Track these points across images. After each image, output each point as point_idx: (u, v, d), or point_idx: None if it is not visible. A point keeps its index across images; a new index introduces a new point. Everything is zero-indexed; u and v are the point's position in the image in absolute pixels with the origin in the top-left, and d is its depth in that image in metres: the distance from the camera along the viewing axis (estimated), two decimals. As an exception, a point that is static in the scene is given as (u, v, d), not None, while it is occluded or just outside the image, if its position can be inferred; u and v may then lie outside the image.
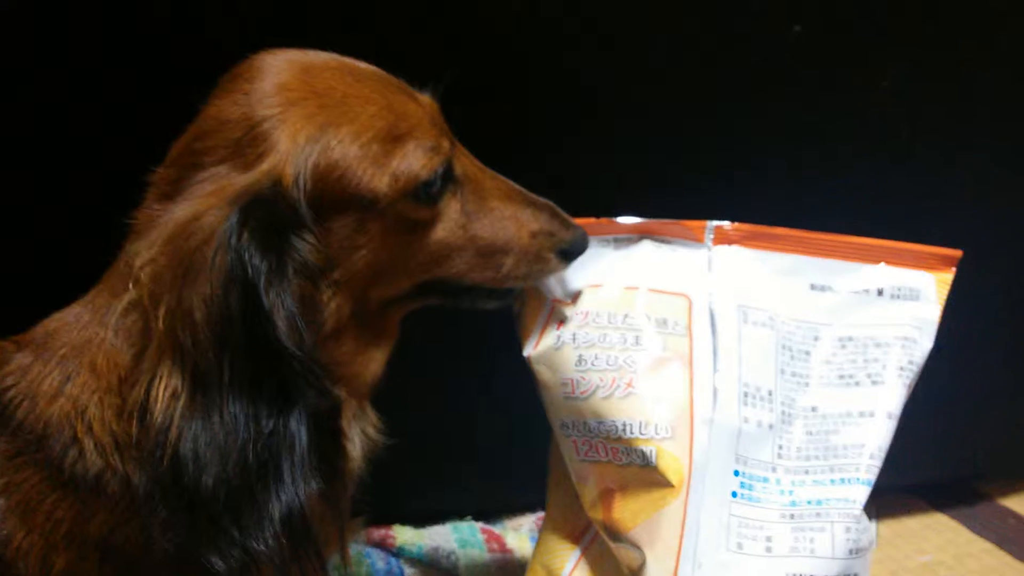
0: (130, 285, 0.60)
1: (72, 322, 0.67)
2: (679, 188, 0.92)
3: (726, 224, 0.77)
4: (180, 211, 0.60)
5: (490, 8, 0.88)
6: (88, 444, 0.63)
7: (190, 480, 0.57)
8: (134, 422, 0.60)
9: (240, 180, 0.60)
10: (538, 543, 0.83)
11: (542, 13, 0.90)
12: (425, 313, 0.75)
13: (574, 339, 0.76)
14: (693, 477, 0.69)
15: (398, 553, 1.08)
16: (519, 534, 1.13)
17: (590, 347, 0.75)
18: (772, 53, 0.94)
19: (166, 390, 0.58)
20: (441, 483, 1.12)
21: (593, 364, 0.74)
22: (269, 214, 0.59)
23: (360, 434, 0.73)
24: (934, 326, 0.75)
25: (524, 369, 0.87)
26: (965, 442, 1.22)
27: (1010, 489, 1.27)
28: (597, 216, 0.80)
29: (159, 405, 0.58)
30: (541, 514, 1.10)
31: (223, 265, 0.57)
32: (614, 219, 0.79)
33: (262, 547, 0.59)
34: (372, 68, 0.69)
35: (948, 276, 0.76)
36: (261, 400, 0.59)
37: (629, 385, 0.73)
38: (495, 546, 1.10)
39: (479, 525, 1.14)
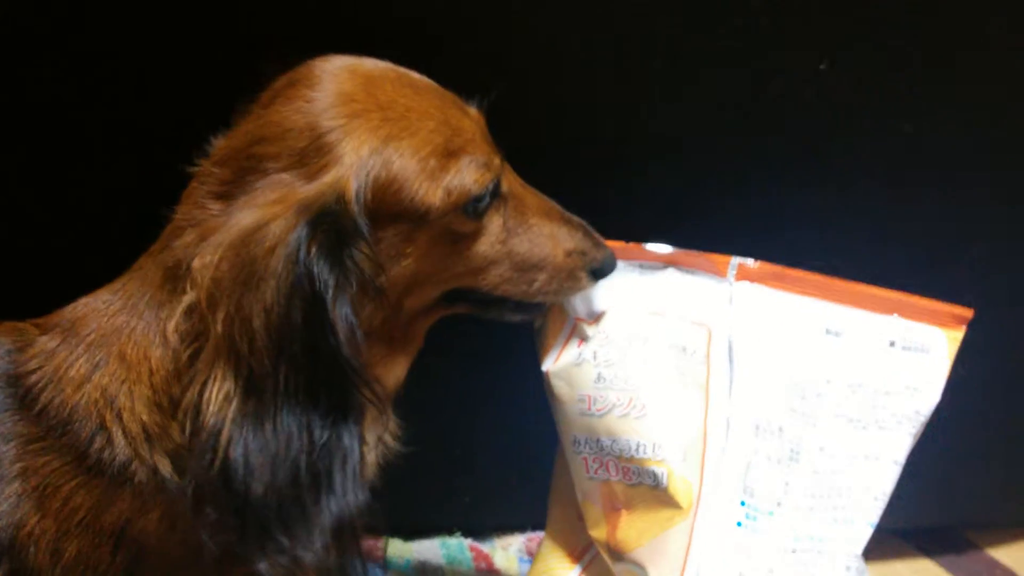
0: (187, 286, 0.61)
1: (101, 309, 0.67)
2: (703, 220, 0.93)
3: (749, 262, 0.79)
4: (244, 217, 0.60)
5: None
6: (117, 433, 0.63)
7: (240, 485, 0.57)
8: (186, 420, 0.59)
9: (305, 191, 0.61)
10: (536, 560, 0.84)
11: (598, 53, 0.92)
12: (433, 325, 0.76)
13: (595, 357, 0.78)
14: (702, 502, 0.71)
15: (385, 565, 1.08)
16: (507, 553, 1.13)
17: (610, 366, 0.77)
18: (800, 88, 0.95)
19: (219, 393, 0.58)
20: (432, 497, 1.12)
21: (612, 383, 0.76)
22: (334, 227, 0.60)
23: (377, 440, 0.74)
24: (942, 381, 0.77)
25: (524, 387, 0.88)
26: (957, 490, 1.23)
27: (999, 540, 1.28)
28: (626, 241, 0.82)
29: (211, 407, 0.58)
30: (531, 534, 1.15)
31: (289, 276, 0.57)
32: (642, 245, 0.82)
33: (311, 556, 0.59)
34: (428, 81, 0.71)
35: (959, 334, 0.78)
36: (315, 411, 0.59)
37: (645, 406, 0.74)
38: (483, 565, 1.10)
39: (468, 542, 1.14)
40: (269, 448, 0.58)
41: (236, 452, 0.57)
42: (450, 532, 1.15)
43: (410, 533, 1.13)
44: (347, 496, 0.60)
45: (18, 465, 0.64)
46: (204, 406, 0.58)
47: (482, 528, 1.16)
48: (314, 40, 0.70)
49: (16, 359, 0.67)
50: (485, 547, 1.13)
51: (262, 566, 0.59)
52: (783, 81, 0.93)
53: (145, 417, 0.63)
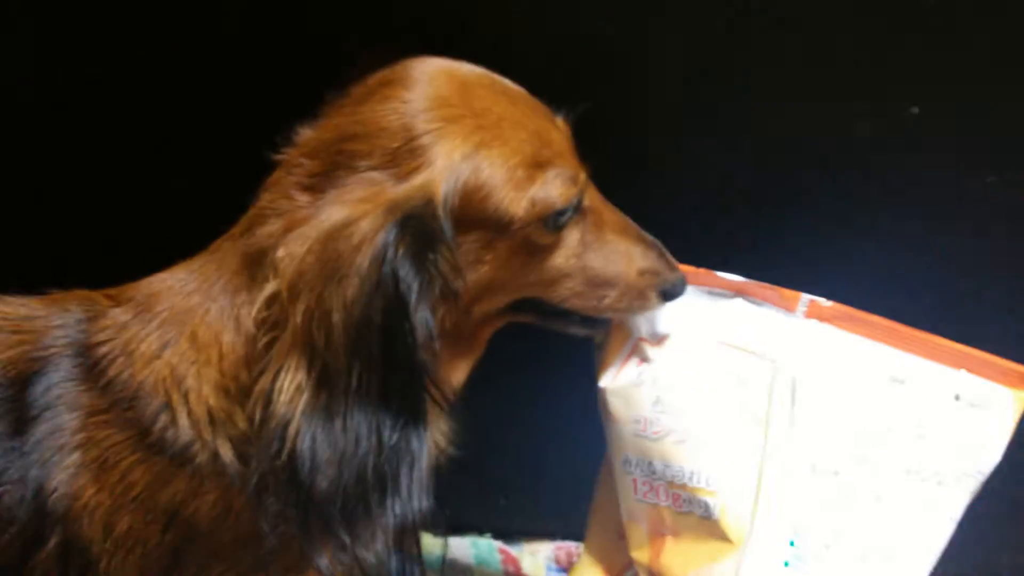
0: (270, 275, 0.61)
1: (176, 287, 0.67)
2: (773, 255, 0.93)
3: (822, 300, 0.78)
4: (334, 213, 0.60)
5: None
6: (182, 413, 0.64)
7: (305, 478, 0.57)
8: (255, 408, 0.60)
9: (395, 191, 0.61)
10: (572, 573, 0.84)
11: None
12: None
13: (655, 380, 0.78)
14: (752, 538, 0.70)
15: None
16: (536, 560, 1.13)
17: (670, 390, 0.77)
18: (889, 132, 0.94)
19: (291, 384, 0.58)
20: (467, 497, 1.09)
21: (670, 407, 0.76)
22: (422, 230, 0.60)
23: (431, 442, 0.73)
24: (1005, 441, 0.76)
25: (570, 398, 0.88)
26: (984, 539, 1.22)
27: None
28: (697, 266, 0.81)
29: (283, 397, 0.58)
30: (560, 543, 1.15)
31: (373, 276, 0.58)
32: (714, 272, 0.81)
33: (371, 557, 0.60)
34: (521, 90, 0.71)
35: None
36: (386, 412, 0.59)
37: (703, 435, 0.74)
38: (511, 568, 1.11)
39: (498, 544, 1.15)
40: (337, 444, 0.58)
41: (303, 444, 0.57)
42: (481, 533, 1.16)
43: (444, 530, 1.14)
44: (412, 500, 0.60)
45: (80, 435, 0.64)
46: (275, 395, 0.58)
47: (513, 532, 1.17)
48: (398, 39, 0.71)
49: (87, 328, 0.68)
50: (514, 551, 1.15)
51: (321, 562, 0.59)
52: (869, 123, 0.93)
53: (212, 401, 0.64)
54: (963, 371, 0.78)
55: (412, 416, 0.60)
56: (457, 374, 0.74)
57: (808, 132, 0.94)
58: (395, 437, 0.59)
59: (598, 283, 0.73)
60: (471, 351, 0.75)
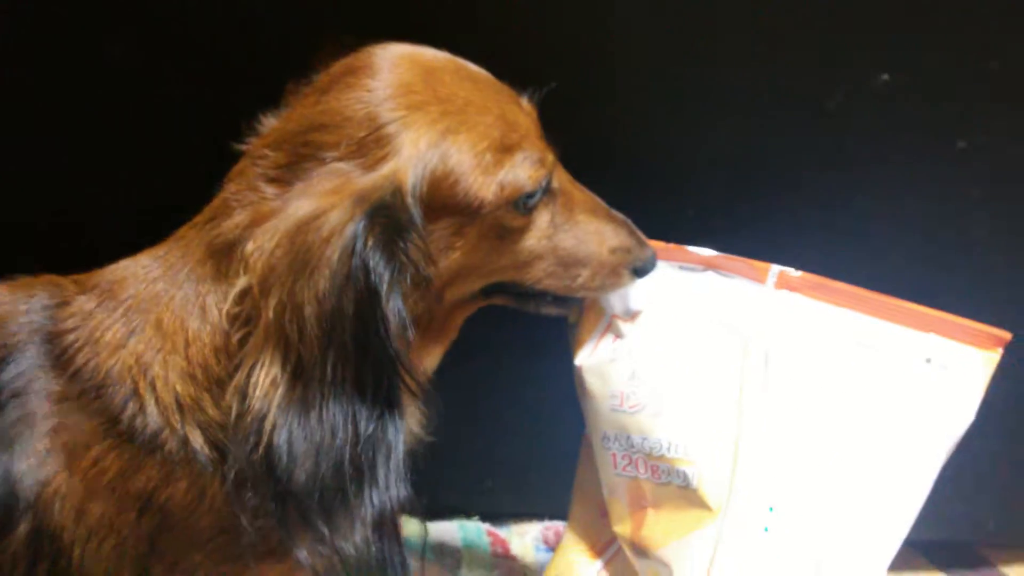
0: (240, 270, 0.61)
1: (141, 274, 0.67)
2: (748, 228, 0.94)
3: (791, 271, 0.79)
4: (302, 205, 0.60)
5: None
6: (149, 401, 0.64)
7: (282, 472, 0.57)
8: (231, 402, 0.60)
9: (363, 181, 0.61)
10: (557, 552, 0.85)
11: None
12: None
13: (630, 354, 0.79)
14: (731, 505, 0.71)
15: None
16: (524, 541, 1.14)
17: (645, 364, 0.78)
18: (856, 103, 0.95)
19: (266, 378, 0.58)
20: (454, 481, 1.13)
21: (646, 381, 0.77)
22: (391, 219, 0.60)
23: (406, 430, 0.73)
24: (976, 403, 0.77)
25: (550, 378, 0.88)
26: (974, 506, 1.23)
27: (1012, 558, 1.28)
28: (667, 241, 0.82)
29: (258, 391, 0.58)
30: (548, 523, 1.16)
31: (344, 267, 0.57)
32: (684, 247, 0.82)
33: (351, 548, 0.59)
34: (485, 73, 0.71)
35: (995, 356, 0.78)
36: (361, 402, 0.59)
37: (678, 407, 0.75)
38: (499, 550, 1.12)
39: (486, 527, 1.15)
40: (314, 437, 0.58)
41: (280, 439, 0.58)
42: (468, 516, 1.16)
43: (429, 514, 1.14)
44: (390, 489, 0.60)
45: (49, 422, 0.64)
46: (250, 390, 0.58)
47: (500, 514, 1.17)
48: (366, 27, 0.70)
49: (54, 315, 0.68)
50: (502, 532, 1.15)
51: (300, 555, 0.60)
52: (842, 92, 0.93)
53: (179, 387, 0.64)
54: (932, 334, 0.78)
55: (387, 405, 0.60)
56: (430, 360, 0.74)
57: (777, 102, 0.95)
58: (371, 427, 0.60)
59: (570, 263, 0.73)
60: (444, 336, 0.75)
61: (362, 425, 0.59)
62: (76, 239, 0.92)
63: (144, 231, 0.70)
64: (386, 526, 0.61)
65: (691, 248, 0.82)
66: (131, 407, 0.64)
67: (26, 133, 0.92)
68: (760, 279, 0.80)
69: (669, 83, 0.94)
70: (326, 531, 0.59)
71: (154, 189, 0.90)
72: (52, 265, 0.72)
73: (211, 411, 0.63)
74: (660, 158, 0.97)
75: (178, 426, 0.64)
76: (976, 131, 0.96)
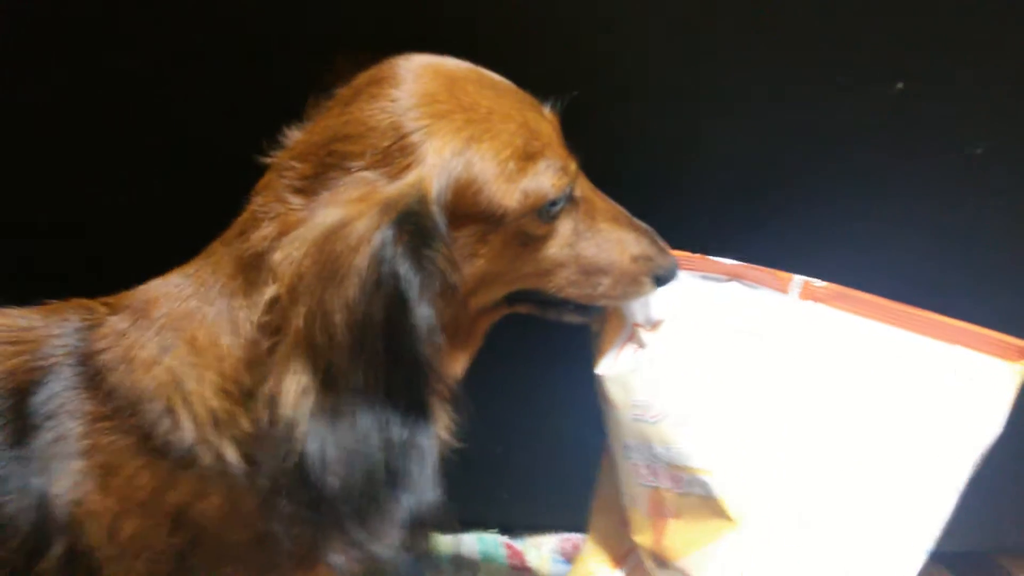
0: (269, 280, 0.61)
1: (173, 292, 0.68)
2: (764, 236, 0.93)
3: (815, 281, 0.79)
4: (328, 214, 0.60)
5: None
6: (184, 416, 0.64)
7: (316, 479, 0.58)
8: (263, 412, 0.60)
9: (388, 190, 0.61)
10: (577, 562, 0.85)
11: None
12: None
13: (652, 364, 0.78)
14: (753, 515, 0.71)
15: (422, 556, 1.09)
16: (541, 552, 1.14)
17: (668, 374, 0.77)
18: (873, 109, 0.94)
19: (297, 386, 0.58)
20: (472, 493, 1.08)
21: (668, 390, 0.76)
22: (417, 227, 0.60)
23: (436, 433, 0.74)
24: (1004, 414, 0.76)
25: (570, 390, 0.88)
26: (992, 517, 1.22)
27: (1028, 568, 1.27)
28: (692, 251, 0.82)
29: (289, 400, 0.58)
30: (565, 535, 1.16)
31: (373, 275, 0.58)
32: (707, 256, 0.82)
33: (386, 552, 0.60)
34: (508, 82, 0.71)
35: (1022, 367, 0.77)
36: (393, 409, 0.59)
37: (701, 416, 0.74)
38: (516, 562, 1.12)
39: (503, 539, 1.15)
40: (346, 444, 0.58)
41: (312, 446, 0.58)
42: (486, 528, 1.16)
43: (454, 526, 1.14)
44: (424, 494, 0.60)
45: (84, 443, 0.65)
46: (281, 399, 0.58)
47: (518, 526, 1.17)
48: (372, 40, 0.70)
49: (86, 336, 0.68)
50: (519, 545, 1.15)
51: (336, 560, 0.60)
52: (853, 101, 0.92)
53: (214, 403, 0.64)
54: (958, 346, 0.77)
55: (419, 412, 0.61)
56: (456, 367, 0.74)
57: (792, 111, 0.94)
58: (404, 433, 0.60)
59: (592, 271, 0.73)
60: (470, 343, 0.75)
61: (394, 431, 0.59)
62: (76, 239, 0.93)
63: (144, 231, 0.70)
64: (420, 531, 0.61)
65: (714, 258, 0.81)
66: (166, 423, 0.64)
67: (26, 133, 0.92)
68: (784, 289, 0.80)
69: (681, 88, 0.94)
70: (361, 535, 0.59)
71: (154, 189, 0.91)
72: (52, 265, 0.72)
73: (245, 424, 0.64)
74: (675, 166, 0.97)
75: (213, 440, 0.64)
76: (994, 135, 0.96)
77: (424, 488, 0.60)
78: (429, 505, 0.61)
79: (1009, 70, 0.93)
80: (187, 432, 0.64)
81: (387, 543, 0.60)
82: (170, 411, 0.64)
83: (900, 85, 0.92)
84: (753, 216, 0.97)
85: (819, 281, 0.79)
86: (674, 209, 0.93)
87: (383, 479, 0.59)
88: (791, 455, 0.73)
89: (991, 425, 0.76)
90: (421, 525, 0.61)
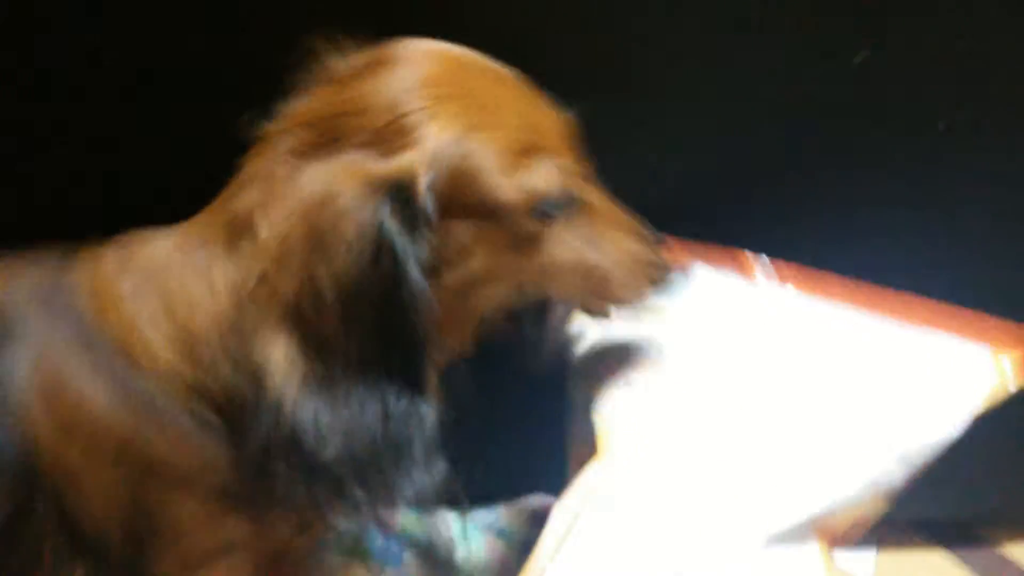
0: (253, 246, 0.62)
1: (159, 243, 0.68)
2: (729, 218, 0.90)
3: (780, 263, 0.77)
4: (316, 184, 0.61)
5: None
6: (143, 357, 0.65)
7: (310, 447, 0.59)
8: (239, 375, 0.62)
9: (378, 168, 0.61)
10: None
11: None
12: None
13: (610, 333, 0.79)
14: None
15: (399, 534, 1.08)
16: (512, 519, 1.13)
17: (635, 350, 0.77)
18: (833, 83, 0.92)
19: (283, 356, 0.59)
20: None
21: (615, 357, 0.77)
22: (406, 205, 0.60)
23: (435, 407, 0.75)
24: (983, 395, 0.72)
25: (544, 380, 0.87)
26: (975, 485, 1.22)
27: (1013, 538, 1.24)
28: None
29: (276, 368, 0.59)
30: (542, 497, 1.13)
31: (360, 245, 0.58)
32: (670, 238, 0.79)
33: (391, 513, 0.63)
34: (515, 76, 0.69)
35: (1003, 350, 0.73)
36: (389, 380, 0.60)
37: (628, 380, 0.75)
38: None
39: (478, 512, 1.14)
40: (341, 415, 0.59)
41: (304, 416, 0.59)
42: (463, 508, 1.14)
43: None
44: (429, 465, 0.61)
45: (39, 357, 0.66)
46: (270, 367, 0.60)
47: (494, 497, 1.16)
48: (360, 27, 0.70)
49: (64, 265, 0.70)
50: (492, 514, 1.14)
51: (337, 519, 0.63)
52: (817, 75, 0.90)
53: (170, 354, 0.65)
54: (933, 327, 0.75)
55: (416, 381, 0.61)
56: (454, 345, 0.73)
57: (753, 90, 0.92)
58: (402, 404, 0.60)
59: (592, 276, 0.71)
60: (465, 334, 0.74)
61: (392, 402, 0.60)
62: (76, 239, 0.92)
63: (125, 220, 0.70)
64: (425, 499, 0.62)
65: (678, 240, 0.79)
66: (119, 361, 0.65)
67: (26, 133, 0.92)
68: (749, 272, 0.78)
69: (636, 65, 0.91)
70: (363, 499, 0.61)
71: (154, 191, 0.87)
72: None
73: (202, 377, 0.65)
74: (633, 145, 0.94)
75: (172, 386, 0.65)
76: (960, 112, 0.93)
77: (429, 459, 0.61)
78: (435, 477, 0.62)
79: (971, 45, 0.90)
80: (145, 371, 0.65)
81: (393, 506, 0.62)
82: (126, 351, 0.65)
83: (866, 53, 0.89)
84: (717, 196, 0.95)
85: (783, 262, 0.77)
86: (637, 189, 0.91)
87: (385, 450, 0.60)
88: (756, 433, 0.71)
89: (969, 406, 0.73)
90: (428, 498, 0.62)
